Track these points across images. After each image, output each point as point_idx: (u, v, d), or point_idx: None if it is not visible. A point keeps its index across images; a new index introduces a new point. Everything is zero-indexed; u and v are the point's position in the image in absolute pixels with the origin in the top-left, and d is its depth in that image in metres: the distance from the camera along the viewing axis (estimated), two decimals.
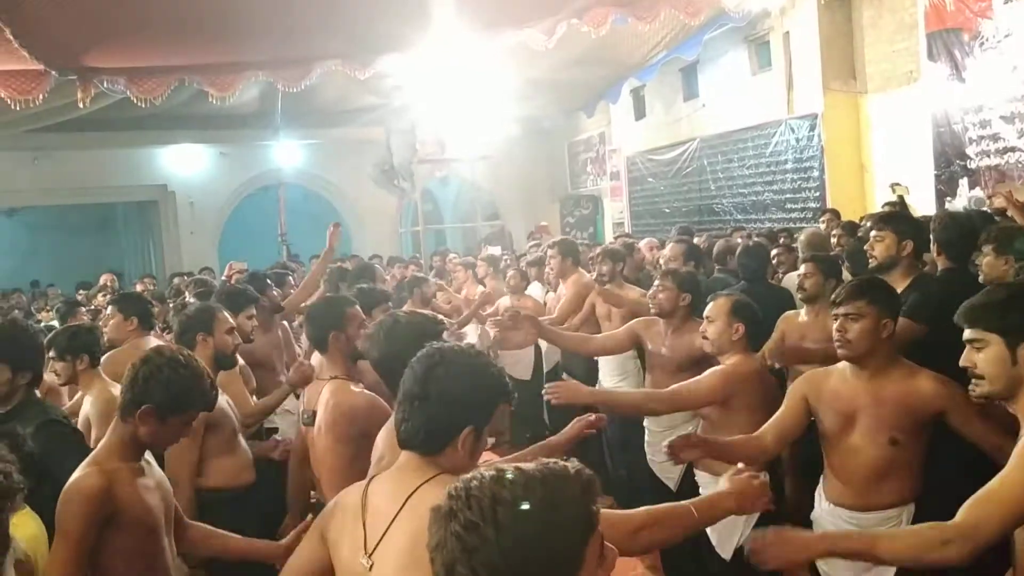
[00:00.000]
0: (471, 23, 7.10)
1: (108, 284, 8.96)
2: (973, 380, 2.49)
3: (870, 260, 4.15)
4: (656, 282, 4.78)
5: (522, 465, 1.35)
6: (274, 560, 2.81)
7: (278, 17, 6.33)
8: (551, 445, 3.01)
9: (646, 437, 4.85)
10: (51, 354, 4.02)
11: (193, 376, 2.78)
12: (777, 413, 3.30)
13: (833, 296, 3.33)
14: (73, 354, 4.03)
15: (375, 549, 1.95)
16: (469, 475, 1.35)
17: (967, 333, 2.49)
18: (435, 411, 1.99)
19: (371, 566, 1.94)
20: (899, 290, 3.94)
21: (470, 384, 2.01)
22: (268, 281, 5.81)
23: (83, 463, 2.69)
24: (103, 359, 4.29)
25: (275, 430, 4.45)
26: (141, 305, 4.78)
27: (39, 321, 7.90)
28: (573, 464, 1.36)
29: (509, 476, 1.31)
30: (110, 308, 4.79)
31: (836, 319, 3.23)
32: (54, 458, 2.99)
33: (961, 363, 2.51)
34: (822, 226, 7.64)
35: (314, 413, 3.45)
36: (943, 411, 3.07)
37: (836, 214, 8.00)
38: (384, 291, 4.68)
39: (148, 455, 2.83)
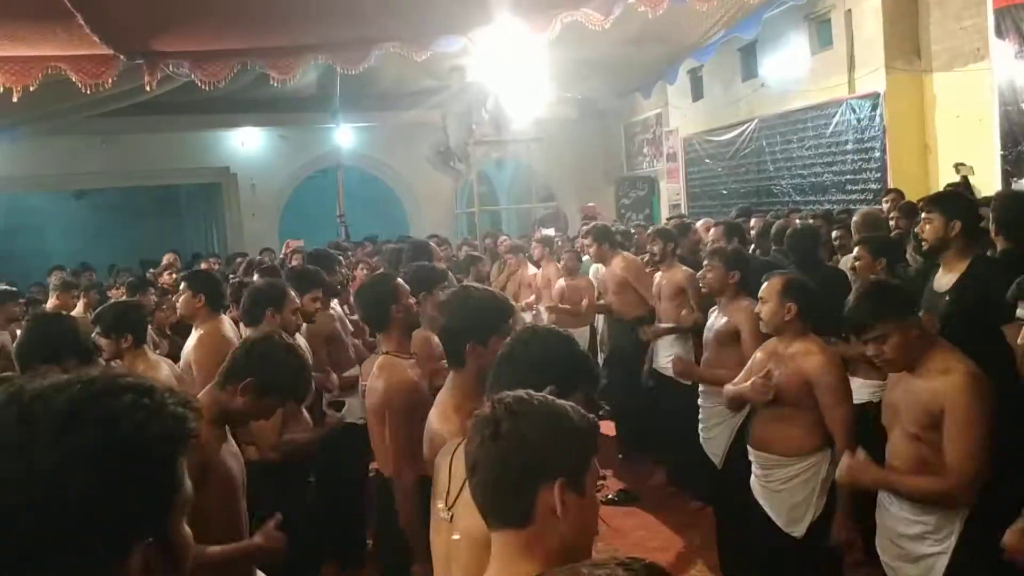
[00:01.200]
0: (528, 3, 7.11)
1: (173, 263, 9.19)
2: None
3: (922, 244, 4.06)
4: (705, 262, 4.86)
5: None
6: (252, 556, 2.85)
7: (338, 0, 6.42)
8: None
9: (700, 415, 4.90)
10: (97, 330, 4.09)
11: (303, 367, 3.01)
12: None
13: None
14: (118, 332, 4.13)
15: (454, 503, 2.14)
16: None
17: None
18: (520, 377, 2.03)
19: (451, 517, 2.14)
20: (955, 273, 3.89)
21: (554, 354, 2.18)
22: (335, 263, 5.94)
23: None
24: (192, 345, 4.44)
25: (341, 404, 4.56)
26: (211, 284, 4.85)
27: (110, 299, 8.17)
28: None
29: (540, 396, 1.64)
30: (182, 284, 4.91)
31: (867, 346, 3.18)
32: None
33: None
34: (885, 206, 7.51)
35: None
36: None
37: (900, 194, 7.82)
38: (442, 269, 4.72)
39: None
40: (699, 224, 8.30)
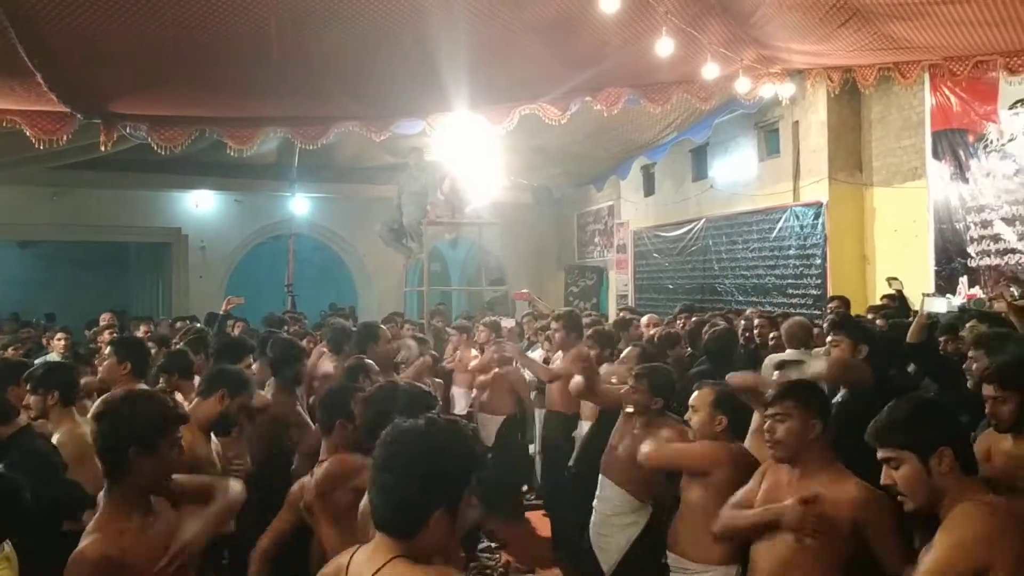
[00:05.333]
0: (486, 95, 7.30)
1: (110, 323, 9.00)
2: (899, 497, 2.60)
3: None
4: (631, 381, 4.67)
5: None
6: None
7: (299, 79, 6.52)
8: None
9: (593, 516, 4.77)
10: (27, 387, 4.15)
11: (153, 399, 2.83)
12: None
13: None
14: (45, 388, 4.13)
15: None
16: None
17: (880, 452, 2.61)
18: (397, 493, 1.94)
19: None
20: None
21: (430, 461, 1.95)
22: (302, 358, 5.75)
23: (89, 527, 2.63)
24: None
25: None
26: (138, 352, 4.85)
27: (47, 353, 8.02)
28: None
29: None
30: (108, 349, 4.86)
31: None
32: None
33: (882, 481, 2.64)
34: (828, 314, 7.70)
35: None
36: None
37: (844, 302, 7.97)
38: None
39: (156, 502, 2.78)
40: (643, 319, 8.41)
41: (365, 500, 2.84)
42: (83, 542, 2.57)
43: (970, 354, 4.30)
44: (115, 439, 2.64)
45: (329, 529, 3.35)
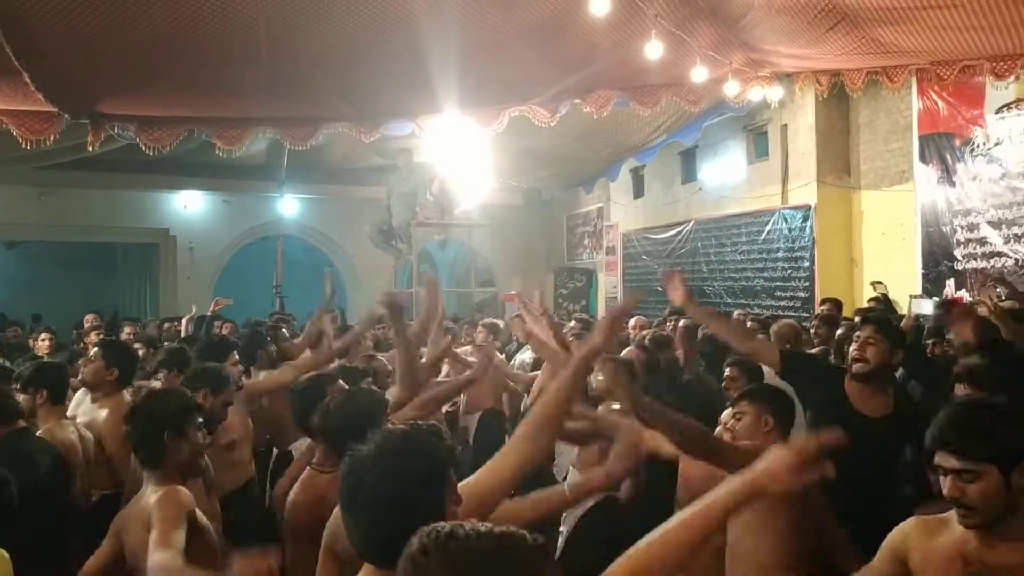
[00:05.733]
0: (475, 97, 7.31)
1: (93, 324, 8.93)
2: (961, 510, 2.25)
3: (855, 362, 3.84)
4: (596, 366, 4.79)
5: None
6: None
7: (288, 79, 6.51)
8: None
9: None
10: (16, 386, 4.11)
11: (174, 392, 3.25)
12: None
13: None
14: (35, 387, 4.11)
15: None
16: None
17: (954, 462, 2.24)
18: (370, 521, 1.79)
19: None
20: (882, 405, 3.76)
21: (390, 486, 1.79)
22: (267, 338, 5.93)
23: (152, 485, 2.91)
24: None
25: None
26: (127, 359, 4.74)
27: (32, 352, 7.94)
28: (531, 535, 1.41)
29: (469, 526, 1.40)
30: (96, 350, 4.77)
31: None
32: None
33: (947, 493, 2.26)
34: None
35: None
36: None
37: (836, 304, 7.93)
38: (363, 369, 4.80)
39: None
40: (631, 321, 8.41)
41: (334, 517, 2.70)
42: (160, 490, 2.84)
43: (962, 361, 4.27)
44: (151, 427, 2.98)
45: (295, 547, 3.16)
